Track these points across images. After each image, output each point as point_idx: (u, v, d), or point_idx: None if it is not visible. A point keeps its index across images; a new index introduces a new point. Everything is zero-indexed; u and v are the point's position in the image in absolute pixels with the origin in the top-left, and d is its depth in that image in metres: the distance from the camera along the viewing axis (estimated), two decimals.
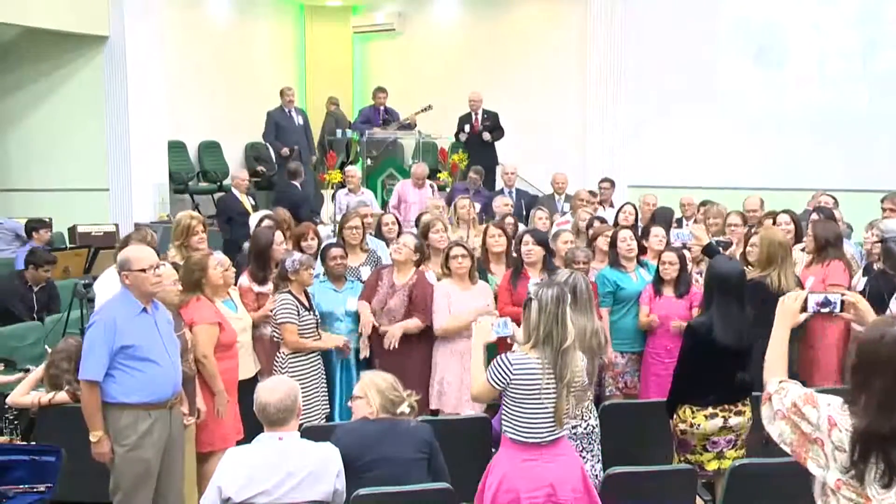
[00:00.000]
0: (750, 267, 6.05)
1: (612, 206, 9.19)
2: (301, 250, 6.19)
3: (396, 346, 5.63)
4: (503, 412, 3.75)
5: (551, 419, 3.66)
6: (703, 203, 8.06)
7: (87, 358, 4.15)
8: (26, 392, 4.98)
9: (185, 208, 9.67)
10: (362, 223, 6.61)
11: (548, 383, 3.63)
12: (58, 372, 4.96)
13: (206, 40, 12.69)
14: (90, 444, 4.23)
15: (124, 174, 10.94)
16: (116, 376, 4.15)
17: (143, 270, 4.23)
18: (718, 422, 4.58)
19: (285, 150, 11.07)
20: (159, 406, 4.26)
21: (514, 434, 3.69)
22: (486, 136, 10.81)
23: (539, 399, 3.63)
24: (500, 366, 3.70)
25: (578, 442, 4.39)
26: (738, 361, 4.58)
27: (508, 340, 4.15)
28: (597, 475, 4.32)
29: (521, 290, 5.54)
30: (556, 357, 3.65)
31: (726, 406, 4.59)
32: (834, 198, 7.72)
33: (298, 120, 11.30)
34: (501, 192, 9.75)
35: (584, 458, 4.38)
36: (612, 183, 9.69)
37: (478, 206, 8.42)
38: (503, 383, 3.68)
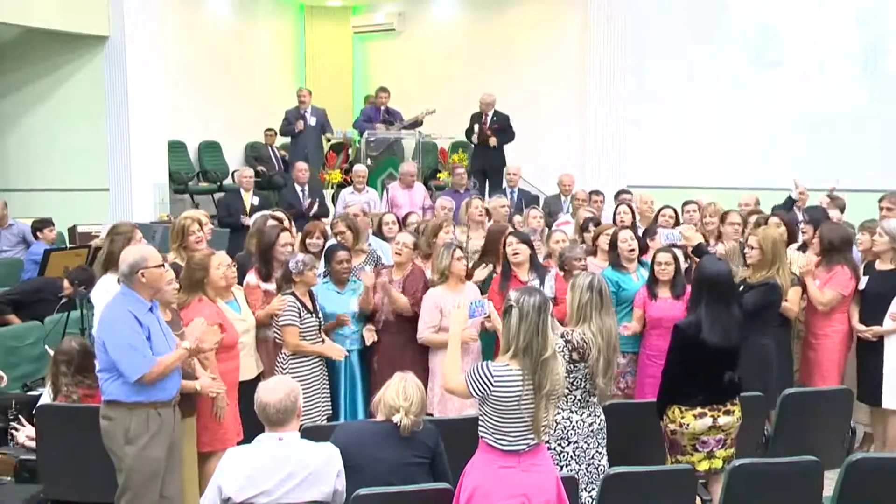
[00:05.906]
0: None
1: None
2: (306, 248, 6.18)
3: (388, 298, 5.70)
4: (480, 417, 3.64)
5: (529, 429, 3.56)
6: (686, 203, 7.96)
7: (130, 357, 4.05)
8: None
9: (185, 208, 9.67)
10: (349, 227, 6.48)
11: (527, 394, 3.53)
12: (56, 372, 4.96)
13: (206, 40, 12.70)
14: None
15: (124, 174, 10.95)
16: None
17: (161, 266, 4.26)
18: (707, 421, 4.58)
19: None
20: (167, 404, 4.26)
21: (491, 440, 3.59)
22: (493, 141, 10.57)
23: (518, 409, 3.53)
24: (480, 376, 3.56)
25: (594, 437, 4.39)
26: (726, 361, 4.59)
27: (485, 323, 3.99)
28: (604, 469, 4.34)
29: None
30: (536, 367, 3.54)
31: (715, 406, 4.59)
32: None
33: (311, 121, 11.30)
34: (503, 192, 9.70)
35: (599, 452, 4.40)
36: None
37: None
38: (482, 393, 3.56)
